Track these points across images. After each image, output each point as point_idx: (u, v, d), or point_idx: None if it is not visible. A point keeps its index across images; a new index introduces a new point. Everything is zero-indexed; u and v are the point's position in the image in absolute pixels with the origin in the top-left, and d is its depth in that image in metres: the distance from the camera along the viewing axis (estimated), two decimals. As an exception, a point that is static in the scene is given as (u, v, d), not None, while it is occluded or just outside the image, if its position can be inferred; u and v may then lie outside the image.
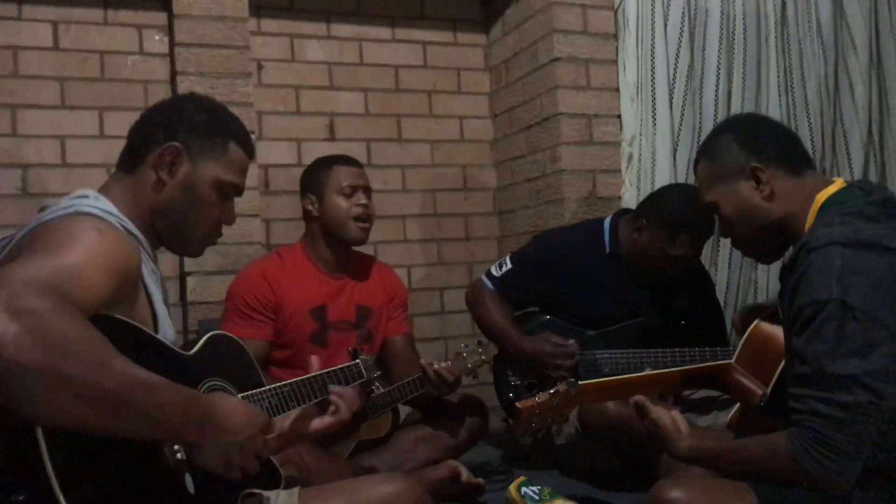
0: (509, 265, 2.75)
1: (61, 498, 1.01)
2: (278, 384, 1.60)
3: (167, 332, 1.39)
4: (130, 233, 1.38)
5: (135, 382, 1.04)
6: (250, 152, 1.57)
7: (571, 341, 2.63)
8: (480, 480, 2.36)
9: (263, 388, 1.54)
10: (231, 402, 1.25)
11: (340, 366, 1.91)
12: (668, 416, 1.62)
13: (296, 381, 1.65)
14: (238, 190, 1.54)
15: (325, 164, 2.55)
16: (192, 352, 1.42)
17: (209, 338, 1.49)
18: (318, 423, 1.56)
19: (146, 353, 1.18)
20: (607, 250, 2.69)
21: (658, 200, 2.64)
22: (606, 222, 2.75)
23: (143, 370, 1.06)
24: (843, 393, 1.34)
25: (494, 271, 2.77)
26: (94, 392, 0.99)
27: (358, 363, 1.96)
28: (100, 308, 1.13)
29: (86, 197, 1.36)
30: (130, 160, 1.47)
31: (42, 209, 1.34)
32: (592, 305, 2.68)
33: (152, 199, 1.44)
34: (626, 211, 2.82)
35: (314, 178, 2.54)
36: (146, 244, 1.43)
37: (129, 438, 1.09)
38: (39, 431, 1.02)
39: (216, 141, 1.49)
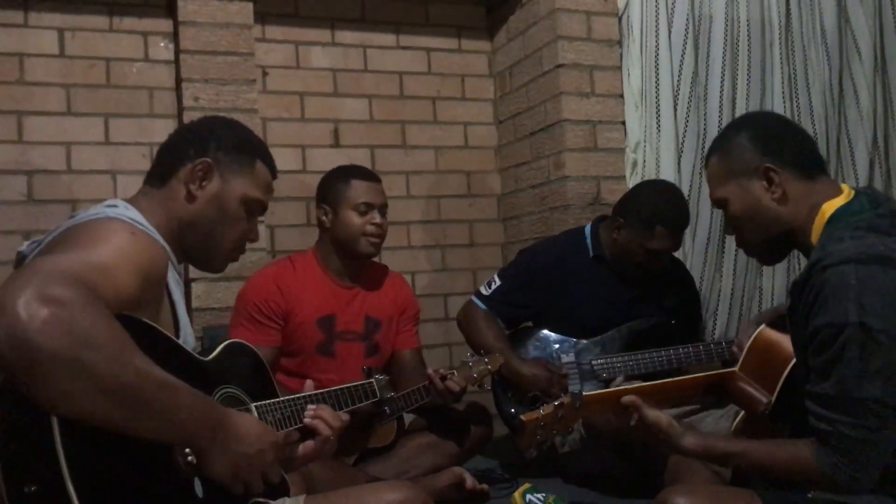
0: (498, 282, 2.76)
1: (72, 491, 1.02)
2: (292, 397, 1.59)
3: (188, 339, 1.42)
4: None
5: (153, 380, 1.07)
6: (275, 172, 1.63)
7: (565, 371, 2.62)
8: (485, 486, 2.36)
9: (277, 400, 1.55)
10: (245, 416, 1.28)
11: (355, 383, 1.92)
12: (664, 416, 1.62)
13: (310, 395, 1.65)
14: (263, 207, 1.59)
15: (342, 177, 2.52)
16: (209, 357, 1.44)
17: (226, 345, 1.51)
18: (303, 450, 1.55)
19: (165, 355, 1.20)
20: (591, 254, 2.73)
21: (632, 198, 2.70)
22: (587, 228, 2.80)
23: (161, 370, 1.09)
24: (870, 416, 1.36)
25: (484, 290, 2.77)
26: (113, 385, 1.02)
27: (372, 382, 1.97)
28: (124, 307, 1.16)
29: (115, 206, 1.39)
30: (160, 175, 1.52)
31: (72, 217, 1.38)
32: (584, 309, 2.70)
33: (182, 212, 1.48)
34: (604, 217, 2.85)
35: (331, 189, 2.51)
36: (172, 255, 1.46)
37: (141, 437, 1.10)
38: (55, 424, 1.03)
39: (244, 159, 1.54)
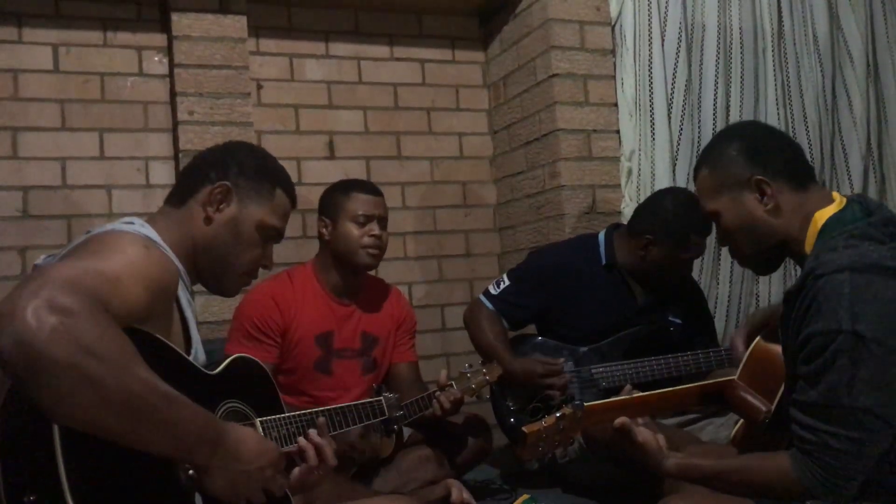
0: (507, 282, 2.75)
1: (70, 502, 1.03)
2: (298, 413, 1.58)
3: (199, 357, 1.43)
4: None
5: (155, 392, 1.08)
6: (294, 201, 1.65)
7: (561, 360, 2.63)
8: (471, 501, 2.29)
9: (282, 416, 1.54)
10: (246, 432, 1.28)
11: (363, 401, 1.92)
12: (654, 438, 1.62)
13: (317, 411, 1.64)
14: (279, 235, 1.61)
15: (343, 189, 2.52)
16: (215, 371, 1.44)
17: (233, 360, 1.52)
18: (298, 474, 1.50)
19: (170, 367, 1.21)
20: (603, 261, 2.72)
21: (656, 212, 2.63)
22: (601, 236, 2.79)
23: (164, 383, 1.10)
24: (855, 427, 1.35)
25: (493, 290, 2.77)
26: (115, 395, 1.03)
27: (381, 400, 1.97)
28: (132, 319, 1.17)
29: (132, 223, 1.41)
30: (180, 196, 1.54)
31: (88, 232, 1.40)
32: (589, 316, 2.69)
33: (197, 234, 1.50)
34: (619, 225, 2.85)
35: (331, 201, 2.52)
36: (185, 275, 1.47)
37: (141, 449, 1.10)
38: (56, 435, 1.04)
39: (264, 185, 1.57)
